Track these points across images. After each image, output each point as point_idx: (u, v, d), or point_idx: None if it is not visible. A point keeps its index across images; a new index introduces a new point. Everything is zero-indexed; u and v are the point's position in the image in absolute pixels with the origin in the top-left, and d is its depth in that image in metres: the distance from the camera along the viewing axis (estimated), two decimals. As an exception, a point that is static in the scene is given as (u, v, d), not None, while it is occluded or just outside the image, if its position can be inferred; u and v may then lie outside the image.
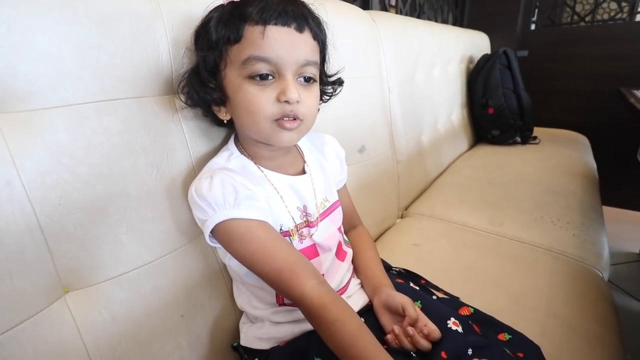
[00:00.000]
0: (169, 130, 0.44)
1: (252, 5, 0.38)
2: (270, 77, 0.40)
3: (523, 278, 0.69)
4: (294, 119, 0.42)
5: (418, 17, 1.56)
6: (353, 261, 0.56)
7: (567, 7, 1.97)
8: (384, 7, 1.30)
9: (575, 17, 1.94)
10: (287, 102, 0.40)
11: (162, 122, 0.43)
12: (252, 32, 0.39)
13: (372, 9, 1.15)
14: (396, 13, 1.50)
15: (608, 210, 1.41)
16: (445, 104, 1.39)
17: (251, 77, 0.40)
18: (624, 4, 1.83)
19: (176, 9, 0.44)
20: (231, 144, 0.48)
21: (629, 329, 0.95)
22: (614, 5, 1.89)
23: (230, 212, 0.39)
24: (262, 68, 0.39)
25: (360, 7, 1.01)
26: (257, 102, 0.40)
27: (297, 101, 0.40)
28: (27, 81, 0.33)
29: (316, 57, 0.43)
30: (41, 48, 0.33)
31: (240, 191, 0.40)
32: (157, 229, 0.43)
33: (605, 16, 1.97)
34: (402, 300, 0.45)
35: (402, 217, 1.03)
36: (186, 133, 0.46)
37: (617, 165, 1.74)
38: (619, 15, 1.87)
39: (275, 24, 0.38)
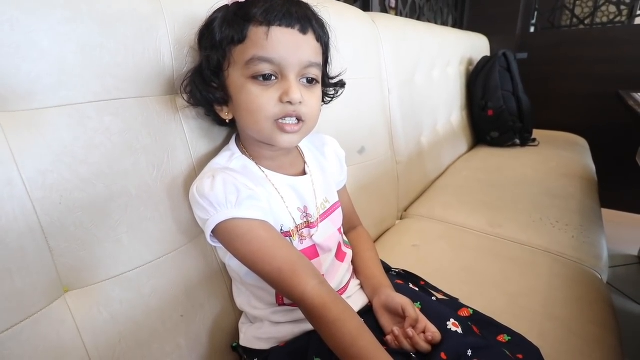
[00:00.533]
0: (170, 130, 0.44)
1: (257, 6, 0.39)
2: (273, 78, 0.40)
3: (522, 279, 0.69)
4: (296, 122, 0.42)
5: (418, 19, 1.56)
6: (353, 262, 0.56)
7: (566, 10, 1.97)
8: (384, 9, 1.31)
9: (575, 19, 1.95)
10: (289, 102, 0.40)
11: (164, 121, 0.43)
12: (256, 32, 0.39)
13: (372, 11, 1.16)
14: (396, 15, 1.50)
15: (607, 213, 1.41)
16: (444, 106, 1.39)
17: (254, 77, 0.40)
18: (622, 7, 1.84)
19: (178, 10, 0.44)
20: (232, 144, 0.48)
21: (628, 332, 0.95)
22: (613, 9, 1.90)
23: (232, 212, 0.39)
24: (266, 68, 0.39)
25: (361, 9, 1.01)
26: (259, 102, 0.40)
27: (300, 102, 0.40)
28: (29, 80, 0.33)
29: (319, 59, 0.44)
30: (44, 47, 0.34)
31: (242, 191, 0.40)
32: (158, 229, 0.43)
33: (605, 19, 1.98)
34: (401, 301, 0.45)
35: (401, 218, 1.03)
36: (187, 133, 0.46)
37: (616, 167, 1.74)
38: (618, 19, 1.88)
39: (280, 25, 0.39)
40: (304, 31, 0.40)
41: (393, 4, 1.46)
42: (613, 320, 0.63)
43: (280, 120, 0.41)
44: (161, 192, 0.43)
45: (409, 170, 1.07)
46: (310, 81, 0.43)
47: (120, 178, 0.39)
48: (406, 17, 1.48)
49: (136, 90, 0.41)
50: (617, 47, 1.70)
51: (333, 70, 0.51)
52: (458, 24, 1.98)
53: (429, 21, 1.67)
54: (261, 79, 0.40)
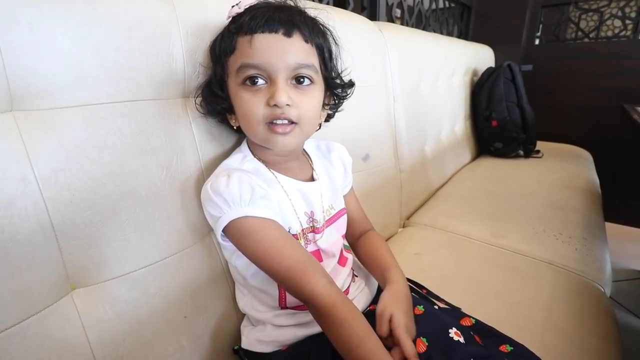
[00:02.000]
0: (180, 132, 0.45)
1: (243, 17, 0.41)
2: (261, 82, 0.41)
3: (524, 290, 0.69)
4: (288, 124, 0.42)
5: (423, 29, 1.58)
6: (364, 259, 0.56)
7: (571, 23, 1.99)
8: (391, 19, 1.32)
9: (580, 33, 1.96)
10: (276, 105, 0.41)
11: (174, 124, 0.44)
12: (242, 42, 0.41)
13: (379, 20, 1.17)
14: (402, 25, 1.51)
15: (610, 227, 1.41)
16: (448, 115, 1.40)
17: (244, 83, 0.41)
18: (628, 21, 1.85)
19: (191, 16, 0.45)
20: (244, 146, 0.49)
21: (631, 347, 0.94)
22: (618, 23, 1.91)
23: (245, 210, 0.40)
24: (252, 74, 0.41)
25: (368, 18, 1.03)
26: (249, 107, 0.41)
27: (288, 104, 0.41)
28: (46, 80, 0.34)
29: (311, 60, 0.43)
30: (61, 49, 0.35)
31: (257, 190, 0.41)
32: (165, 230, 0.43)
33: (609, 33, 2.00)
34: (380, 306, 0.44)
35: (404, 227, 1.03)
36: (196, 136, 0.47)
37: (620, 181, 1.73)
38: (623, 33, 1.89)
39: (263, 31, 0.40)
40: (288, 34, 0.41)
41: (399, 14, 1.48)
42: (616, 334, 0.62)
43: (270, 124, 0.42)
44: (169, 194, 0.44)
45: (412, 178, 1.07)
46: (301, 82, 0.43)
47: (130, 178, 0.40)
48: (412, 27, 1.50)
49: (148, 92, 0.42)
50: (621, 61, 1.71)
51: (341, 74, 0.51)
52: (463, 35, 2.00)
53: (434, 31, 1.69)
54: (249, 83, 0.41)
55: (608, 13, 1.87)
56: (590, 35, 1.93)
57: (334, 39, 0.48)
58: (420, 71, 1.14)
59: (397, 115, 0.99)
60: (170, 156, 0.44)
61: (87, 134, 0.37)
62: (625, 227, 1.84)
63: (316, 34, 0.44)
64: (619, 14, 1.85)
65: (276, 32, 0.40)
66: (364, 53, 0.83)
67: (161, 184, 0.43)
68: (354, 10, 1.07)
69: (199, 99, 0.46)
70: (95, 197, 0.37)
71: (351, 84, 0.53)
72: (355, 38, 0.81)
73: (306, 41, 0.43)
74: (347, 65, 0.53)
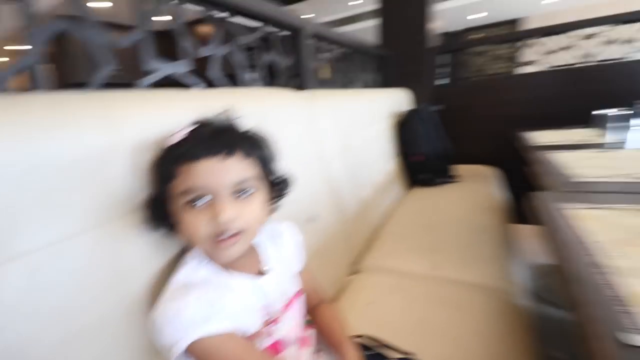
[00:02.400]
0: (127, 251, 0.45)
1: (182, 146, 0.44)
2: (204, 201, 0.44)
3: (462, 321, 0.76)
4: (234, 235, 0.45)
5: (350, 82, 1.74)
6: (319, 333, 0.59)
7: (463, 65, 2.37)
8: (316, 78, 1.42)
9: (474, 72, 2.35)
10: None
11: (121, 245, 0.45)
12: (184, 168, 0.43)
13: (308, 87, 1.25)
14: (331, 76, 1.61)
15: (528, 229, 1.63)
16: (380, 158, 1.54)
17: (187, 204, 0.44)
18: (509, 62, 2.28)
19: (131, 136, 0.46)
20: (196, 251, 0.49)
21: (559, 337, 1.08)
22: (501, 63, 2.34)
23: (202, 329, 0.40)
24: (195, 197, 0.43)
25: (298, 87, 1.12)
26: (194, 227, 0.44)
27: (232, 219, 0.43)
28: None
29: (252, 172, 0.47)
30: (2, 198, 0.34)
31: (210, 307, 0.42)
32: (121, 357, 0.43)
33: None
34: None
35: (354, 274, 1.08)
36: (144, 251, 0.47)
37: (529, 189, 2.03)
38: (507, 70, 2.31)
39: (205, 156, 0.43)
40: (229, 155, 0.44)
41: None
42: (532, 344, 0.71)
43: (216, 238, 0.44)
44: (121, 318, 0.43)
45: (357, 225, 1.14)
46: (243, 193, 0.45)
47: (80, 314, 0.39)
48: (337, 83, 1.64)
49: (93, 220, 0.42)
50: (506, 92, 2.07)
51: (279, 169, 0.54)
52: (384, 81, 2.23)
53: (357, 83, 1.86)
54: (193, 205, 0.44)
55: (490, 55, 2.27)
56: (482, 74, 2.32)
57: (270, 145, 0.52)
58: (350, 127, 1.26)
59: (335, 173, 1.08)
60: (119, 279, 0.44)
61: (30, 284, 0.36)
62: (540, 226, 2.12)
63: (255, 147, 0.48)
64: (502, 54, 2.27)
65: (216, 155, 0.43)
66: (297, 124, 0.91)
67: (112, 311, 0.42)
68: (288, 80, 1.15)
69: (144, 216, 0.46)
70: (44, 345, 0.36)
71: (290, 181, 0.56)
72: (287, 114, 0.88)
73: (247, 156, 0.46)
74: (283, 141, 0.55)
